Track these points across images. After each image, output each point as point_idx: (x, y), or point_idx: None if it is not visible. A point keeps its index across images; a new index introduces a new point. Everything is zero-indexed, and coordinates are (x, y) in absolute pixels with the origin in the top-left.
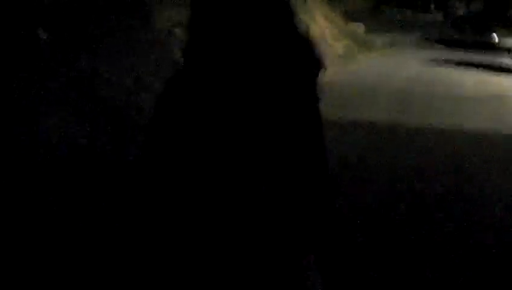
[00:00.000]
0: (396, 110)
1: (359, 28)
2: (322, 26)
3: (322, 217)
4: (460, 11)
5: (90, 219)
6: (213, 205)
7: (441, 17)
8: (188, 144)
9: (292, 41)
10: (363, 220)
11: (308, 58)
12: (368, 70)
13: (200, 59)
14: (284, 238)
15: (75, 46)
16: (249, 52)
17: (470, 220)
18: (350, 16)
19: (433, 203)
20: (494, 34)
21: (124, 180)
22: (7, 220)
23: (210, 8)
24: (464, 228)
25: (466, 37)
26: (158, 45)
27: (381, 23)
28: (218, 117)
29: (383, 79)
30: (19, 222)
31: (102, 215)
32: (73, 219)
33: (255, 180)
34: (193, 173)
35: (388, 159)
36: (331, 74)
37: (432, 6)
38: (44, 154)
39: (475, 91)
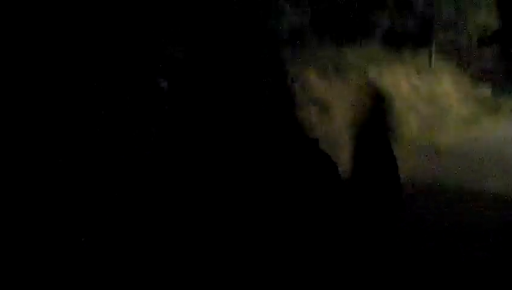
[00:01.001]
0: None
1: (486, 91)
2: (447, 90)
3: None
4: None
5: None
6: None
7: None
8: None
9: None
10: None
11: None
12: (492, 137)
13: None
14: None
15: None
16: None
17: None
18: (479, 79)
19: None
20: None
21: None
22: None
23: None
24: None
25: None
26: None
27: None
28: None
29: (507, 148)
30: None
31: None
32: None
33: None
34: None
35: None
36: (452, 139)
37: None
38: None
39: None
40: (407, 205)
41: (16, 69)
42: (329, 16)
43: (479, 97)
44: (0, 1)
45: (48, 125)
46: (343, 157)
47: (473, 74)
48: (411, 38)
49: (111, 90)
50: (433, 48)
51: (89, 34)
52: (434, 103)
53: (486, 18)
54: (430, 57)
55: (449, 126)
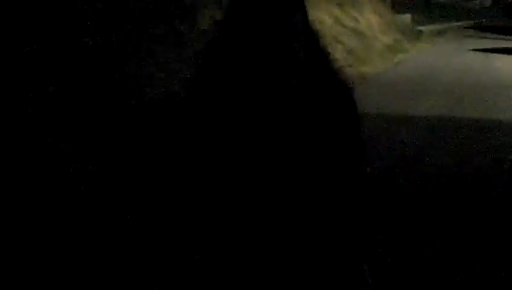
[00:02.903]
0: (443, 103)
1: (406, 19)
2: (369, 19)
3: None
4: None
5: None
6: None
7: (490, 3)
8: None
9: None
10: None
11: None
12: (415, 61)
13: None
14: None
15: (124, 51)
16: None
17: None
18: (398, 7)
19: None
20: None
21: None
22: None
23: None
24: None
25: None
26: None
27: (429, 13)
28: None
29: (430, 70)
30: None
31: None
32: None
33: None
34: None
35: (435, 154)
36: (379, 66)
37: None
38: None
39: None
40: None
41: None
42: None
43: (400, 25)
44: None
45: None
46: None
47: (393, 2)
48: None
49: None
50: None
51: None
52: (357, 34)
53: None
54: None
55: (374, 55)
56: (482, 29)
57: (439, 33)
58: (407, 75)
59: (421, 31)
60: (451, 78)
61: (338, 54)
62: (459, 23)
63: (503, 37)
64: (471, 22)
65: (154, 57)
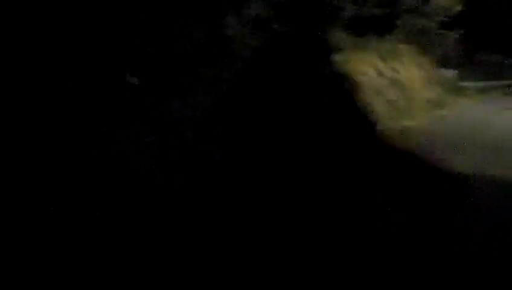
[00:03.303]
0: (479, 162)
1: (450, 74)
2: (411, 73)
3: None
4: None
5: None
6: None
7: None
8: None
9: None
10: None
11: None
12: (456, 118)
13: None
14: None
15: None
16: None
17: None
18: (442, 63)
19: None
20: None
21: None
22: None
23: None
24: None
25: None
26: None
27: (475, 70)
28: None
29: (470, 128)
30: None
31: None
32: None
33: None
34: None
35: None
36: (420, 120)
37: None
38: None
39: None
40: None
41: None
42: (292, 5)
43: (443, 80)
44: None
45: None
46: None
47: (436, 57)
48: (375, 23)
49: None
50: (398, 34)
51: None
52: (399, 87)
53: (449, 1)
54: (395, 42)
55: (415, 109)
56: None
57: (483, 91)
58: (448, 131)
59: (464, 87)
60: (492, 138)
61: (379, 106)
62: (504, 82)
63: None
64: None
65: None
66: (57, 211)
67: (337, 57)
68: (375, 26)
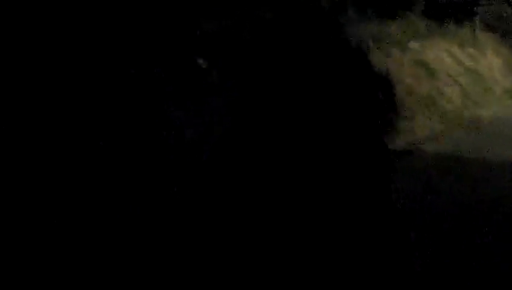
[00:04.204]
0: None
1: None
2: (490, 61)
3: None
4: None
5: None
6: None
7: None
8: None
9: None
10: None
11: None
12: None
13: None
14: None
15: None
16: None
17: None
18: None
19: None
20: None
21: None
22: None
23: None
24: None
25: None
26: None
27: None
28: None
29: None
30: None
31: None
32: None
33: None
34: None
35: None
36: (496, 111)
37: None
38: None
39: None
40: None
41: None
42: None
43: None
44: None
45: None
46: None
47: None
48: (453, 9)
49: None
50: (477, 20)
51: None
52: (476, 76)
53: None
54: (474, 29)
55: (492, 99)
56: None
57: None
58: None
59: None
60: None
61: (454, 95)
62: None
63: None
64: None
65: None
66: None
67: (414, 44)
68: (453, 13)
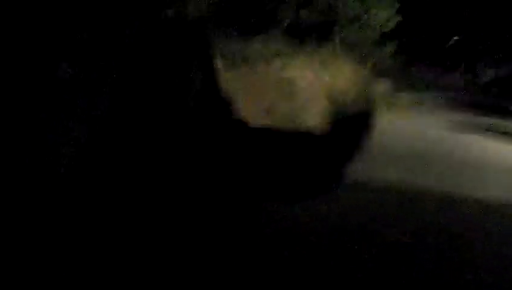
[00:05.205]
0: (411, 172)
1: (385, 84)
2: (348, 81)
3: None
4: (489, 75)
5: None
6: None
7: (470, 79)
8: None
9: None
10: None
11: None
12: (389, 128)
13: None
14: None
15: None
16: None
17: None
18: (378, 73)
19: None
20: None
21: None
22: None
23: None
24: None
25: (493, 102)
26: None
27: (409, 82)
28: None
29: (402, 138)
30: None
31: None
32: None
33: None
34: None
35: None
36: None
37: (462, 68)
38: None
39: (496, 159)
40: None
41: None
42: (234, 6)
43: (378, 90)
44: None
45: None
46: None
47: (372, 67)
48: (316, 31)
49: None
50: (337, 42)
51: None
52: (335, 94)
53: (388, 13)
54: (335, 50)
55: (349, 116)
56: (458, 103)
57: (416, 102)
58: (378, 139)
59: (398, 98)
60: (420, 146)
61: (315, 111)
62: (437, 95)
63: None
64: (449, 96)
65: None
66: None
67: (277, 61)
68: (315, 33)
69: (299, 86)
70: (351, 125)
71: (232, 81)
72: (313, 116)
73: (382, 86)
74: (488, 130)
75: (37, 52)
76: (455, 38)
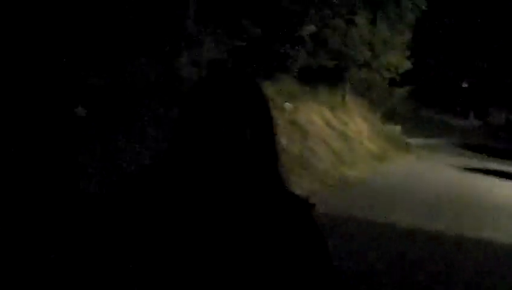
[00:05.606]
0: (420, 215)
1: (395, 130)
2: (358, 126)
3: None
4: (499, 120)
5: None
6: None
7: (479, 124)
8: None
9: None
10: None
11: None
12: (399, 172)
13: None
14: None
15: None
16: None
17: None
18: (389, 117)
19: None
20: None
21: None
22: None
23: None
24: None
25: (503, 146)
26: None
27: (419, 127)
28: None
29: (412, 182)
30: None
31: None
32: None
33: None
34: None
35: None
36: (363, 172)
37: (472, 113)
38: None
39: (505, 202)
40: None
41: None
42: (247, 50)
43: (389, 135)
44: None
45: None
46: None
47: (383, 111)
48: (326, 76)
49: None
50: (347, 86)
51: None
52: (346, 138)
53: (398, 59)
54: (344, 94)
55: (359, 160)
56: (467, 147)
57: (426, 147)
58: (389, 183)
59: (408, 143)
60: (430, 191)
61: (324, 155)
62: (447, 140)
63: (485, 156)
64: (459, 140)
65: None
66: None
67: (288, 105)
68: (325, 78)
69: (310, 130)
70: (362, 167)
71: None
72: (322, 160)
73: (392, 131)
74: (494, 173)
75: (60, 97)
76: (466, 83)
